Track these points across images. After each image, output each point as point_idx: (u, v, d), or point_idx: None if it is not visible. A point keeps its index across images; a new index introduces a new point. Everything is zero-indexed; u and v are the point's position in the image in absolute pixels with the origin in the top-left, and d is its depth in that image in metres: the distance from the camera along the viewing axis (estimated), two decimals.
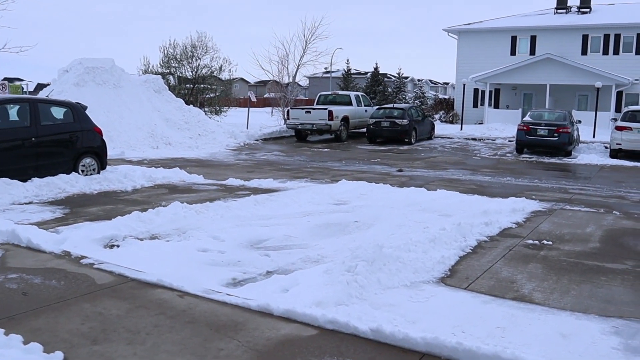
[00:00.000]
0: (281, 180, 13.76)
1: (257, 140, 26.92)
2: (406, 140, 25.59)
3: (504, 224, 8.94)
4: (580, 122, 24.77)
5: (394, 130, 25.49)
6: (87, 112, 22.39)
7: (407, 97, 45.11)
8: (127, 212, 8.91)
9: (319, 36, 33.63)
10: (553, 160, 20.35)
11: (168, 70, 33.70)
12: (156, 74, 31.30)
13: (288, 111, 28.02)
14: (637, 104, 31.27)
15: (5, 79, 73.42)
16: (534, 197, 11.99)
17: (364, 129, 27.32)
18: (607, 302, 5.59)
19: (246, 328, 4.60)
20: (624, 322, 5.08)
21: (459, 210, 9.99)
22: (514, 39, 35.98)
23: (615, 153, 20.77)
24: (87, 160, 12.80)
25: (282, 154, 21.12)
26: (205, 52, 33.76)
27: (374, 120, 26.04)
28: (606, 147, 22.93)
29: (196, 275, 5.86)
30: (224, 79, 36.76)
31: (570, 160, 20.42)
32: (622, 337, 4.74)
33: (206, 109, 33.20)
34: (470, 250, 7.34)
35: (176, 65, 33.72)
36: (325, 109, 26.13)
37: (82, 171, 12.63)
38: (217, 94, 36.15)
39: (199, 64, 33.76)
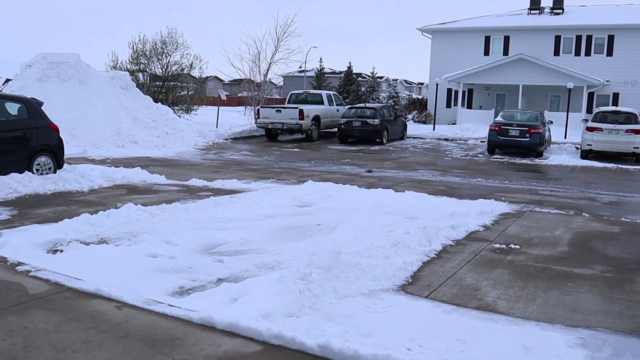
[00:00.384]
0: (246, 181, 13.37)
1: (226, 139, 26.45)
2: (377, 140, 25.33)
3: (471, 227, 8.67)
4: (552, 122, 24.75)
5: (365, 130, 25.20)
6: (51, 108, 21.88)
7: (380, 97, 44.96)
8: (80, 214, 8.43)
9: (292, 34, 33.33)
10: (524, 161, 20.24)
11: (137, 67, 32.99)
12: (125, 70, 30.65)
13: (258, 110, 27.58)
14: (608, 105, 31.47)
15: None
16: (503, 198, 11.77)
17: (336, 129, 27.00)
18: (574, 311, 5.32)
19: (184, 344, 4.22)
20: (590, 332, 4.81)
21: (426, 213, 9.70)
22: (487, 39, 35.99)
23: (586, 154, 20.73)
24: (43, 159, 12.27)
25: (250, 154, 20.71)
26: (175, 49, 33.12)
27: (345, 119, 25.72)
28: (577, 148, 22.92)
29: (140, 284, 5.47)
30: (197, 77, 36.15)
31: (541, 161, 20.32)
32: (589, 350, 4.46)
33: (177, 107, 32.63)
34: (435, 255, 7.03)
35: (145, 61, 33.03)
36: (296, 108, 25.75)
37: (37, 170, 12.09)
38: (190, 92, 35.56)
39: (169, 61, 33.11)
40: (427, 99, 40.43)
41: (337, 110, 28.27)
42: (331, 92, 30.45)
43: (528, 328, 4.85)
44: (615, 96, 33.19)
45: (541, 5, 38.36)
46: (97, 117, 22.69)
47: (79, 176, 12.41)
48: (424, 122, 36.81)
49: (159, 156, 19.27)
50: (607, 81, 32.68)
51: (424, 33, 37.63)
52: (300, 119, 25.36)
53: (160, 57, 32.97)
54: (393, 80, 77.01)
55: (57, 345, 4.17)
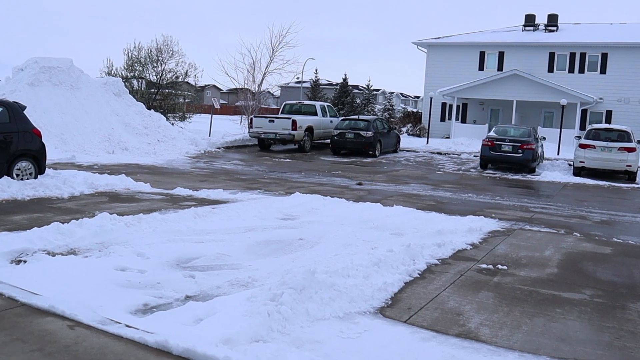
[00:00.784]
0: (232, 191, 13.07)
1: (218, 148, 26.17)
2: (370, 152, 25.09)
3: (458, 245, 8.38)
4: (545, 139, 24.55)
5: (358, 142, 24.97)
6: (41, 113, 21.61)
7: (375, 109, 44.79)
8: (55, 221, 8.13)
9: (287, 44, 33.10)
10: (516, 176, 19.99)
11: (132, 74, 32.73)
12: (120, 77, 30.38)
13: (251, 119, 27.33)
14: (601, 122, 31.33)
15: None
16: (493, 215, 11.50)
17: (329, 140, 26.76)
18: (561, 341, 5.02)
19: None
20: None
21: (412, 229, 9.42)
22: (482, 55, 35.86)
23: (578, 171, 20.51)
24: (23, 164, 11.96)
25: (241, 163, 20.42)
26: (170, 56, 32.91)
27: (338, 131, 25.50)
28: (570, 165, 22.70)
29: (102, 300, 5.15)
30: (195, 85, 35.92)
31: (533, 177, 20.07)
32: None
33: (171, 115, 32.37)
34: (418, 275, 6.72)
35: (140, 68, 32.78)
36: (289, 118, 25.51)
37: (17, 175, 11.79)
38: (187, 100, 35.28)
39: (163, 68, 32.89)
40: (421, 113, 40.27)
41: (331, 121, 28.04)
42: (325, 104, 30.23)
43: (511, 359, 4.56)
44: (609, 114, 33.06)
45: (536, 22, 38.30)
46: (88, 123, 22.40)
47: (60, 182, 12.09)
48: (418, 136, 36.60)
49: (149, 163, 18.97)
50: (601, 98, 32.57)
51: (419, 47, 37.49)
52: (293, 130, 25.11)
53: (155, 65, 32.75)
54: (389, 93, 76.90)
55: None
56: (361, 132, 24.93)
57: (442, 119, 36.84)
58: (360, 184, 16.15)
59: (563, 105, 28.51)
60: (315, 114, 27.66)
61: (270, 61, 33.06)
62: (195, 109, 37.18)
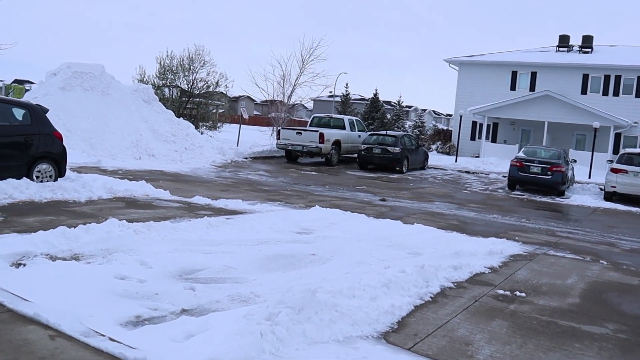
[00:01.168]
0: (251, 202, 12.88)
1: (245, 158, 26.09)
2: (397, 168, 24.76)
3: (476, 268, 8.03)
4: (575, 161, 23.95)
5: (385, 158, 24.68)
6: (71, 117, 21.77)
7: (406, 126, 44.44)
8: (67, 225, 8.02)
9: (317, 57, 32.91)
10: (545, 199, 19.46)
11: (164, 82, 32.96)
12: (152, 84, 30.61)
13: (279, 131, 27.24)
14: (635, 147, 30.51)
15: (15, 81, 72.80)
16: (517, 238, 11.10)
17: (356, 155, 26.51)
18: None
19: None
20: None
21: (430, 249, 9.09)
22: (514, 74, 35.35)
23: (609, 196, 19.88)
24: (43, 166, 11.95)
25: (266, 174, 20.26)
26: (202, 66, 33.04)
27: (366, 146, 25.24)
28: (601, 189, 22.06)
29: (93, 309, 4.96)
30: (227, 95, 36.04)
31: (562, 200, 19.53)
32: None
33: (202, 124, 32.51)
34: (430, 299, 6.40)
35: (172, 77, 33.00)
36: (317, 131, 25.34)
37: (37, 177, 11.77)
38: (221, 110, 35.41)
39: (195, 77, 33.04)
40: (452, 131, 39.82)
41: (359, 136, 27.77)
42: (354, 118, 30.02)
43: None
44: None
45: (570, 43, 37.67)
46: (117, 128, 22.52)
47: (79, 186, 12.04)
48: (447, 154, 36.15)
49: (173, 171, 18.92)
50: (635, 122, 31.76)
51: (451, 65, 37.14)
52: (320, 143, 24.93)
53: (186, 74, 32.91)
54: (422, 110, 76.38)
55: None
56: (389, 148, 24.64)
57: (472, 138, 36.35)
58: (383, 199, 15.84)
59: (596, 128, 27.86)
60: (344, 127, 27.45)
61: (300, 74, 32.99)
62: (226, 118, 37.28)
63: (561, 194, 20.55)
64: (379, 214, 12.89)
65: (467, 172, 27.55)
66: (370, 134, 26.78)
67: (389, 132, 26.86)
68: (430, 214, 13.90)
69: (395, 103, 46.86)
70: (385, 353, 4.74)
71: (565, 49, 37.39)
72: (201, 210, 11.31)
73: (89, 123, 21.97)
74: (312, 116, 29.84)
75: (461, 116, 32.65)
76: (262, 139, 32.84)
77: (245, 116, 31.07)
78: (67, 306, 4.91)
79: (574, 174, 23.38)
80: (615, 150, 30.03)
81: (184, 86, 32.93)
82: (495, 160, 30.01)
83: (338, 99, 49.49)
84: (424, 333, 5.33)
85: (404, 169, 24.93)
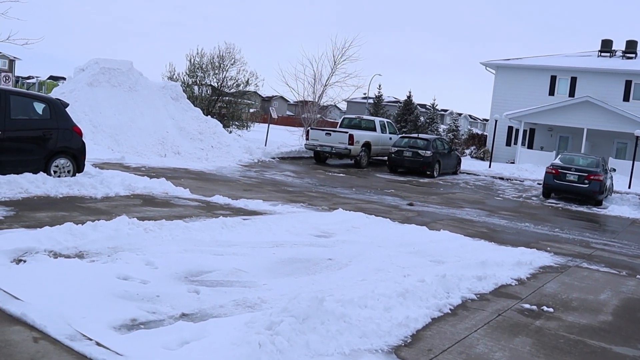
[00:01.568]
0: (273, 203, 12.55)
1: (273, 158, 25.80)
2: (428, 172, 24.22)
3: (502, 279, 7.55)
4: (614, 170, 23.09)
5: (415, 161, 24.15)
6: (97, 113, 21.76)
7: (439, 129, 43.77)
8: (79, 221, 7.79)
9: (349, 57, 32.43)
10: (581, 208, 18.75)
11: (193, 80, 32.92)
12: (181, 82, 30.60)
13: (308, 131, 26.90)
14: None
15: (51, 77, 74.11)
16: (548, 248, 10.56)
17: (386, 157, 26.04)
18: None
19: None
20: None
21: (455, 257, 8.65)
22: (553, 79, 34.42)
23: None
24: (62, 161, 11.78)
25: (292, 175, 19.94)
26: (232, 64, 32.91)
27: (396, 149, 24.77)
28: None
29: (88, 310, 4.67)
30: (263, 96, 35.95)
31: (599, 210, 18.79)
32: None
33: (233, 122, 32.41)
34: (449, 311, 5.97)
35: (202, 75, 32.94)
36: (346, 132, 24.91)
37: (55, 172, 11.61)
38: (254, 109, 35.27)
39: (224, 76, 32.92)
40: (487, 135, 39.03)
41: (390, 138, 27.26)
42: (385, 120, 29.51)
43: None
44: None
45: (613, 48, 36.54)
46: (143, 125, 22.45)
47: (97, 182, 11.86)
48: (482, 159, 35.42)
49: (198, 169, 18.72)
50: None
51: (487, 68, 36.38)
52: (349, 144, 24.50)
53: (216, 72, 32.80)
54: (457, 114, 75.46)
55: None
56: (420, 151, 24.12)
57: (508, 143, 35.52)
58: (411, 204, 15.39)
59: (638, 137, 26.91)
60: (374, 129, 26.97)
61: (332, 74, 32.55)
62: (258, 118, 37.13)
63: (598, 203, 19.79)
64: (404, 219, 12.46)
65: (501, 179, 26.87)
66: (401, 137, 26.30)
67: (421, 135, 26.33)
68: (458, 220, 13.41)
69: (429, 106, 46.21)
70: None
71: (608, 54, 36.32)
72: (219, 209, 11.02)
73: (115, 119, 21.93)
74: (342, 117, 29.45)
75: (496, 121, 31.91)
76: (291, 139, 32.55)
77: (274, 116, 30.78)
78: (59, 307, 4.63)
79: (612, 184, 22.55)
80: None
81: (214, 84, 32.84)
82: (530, 167, 29.25)
83: (371, 100, 49.04)
84: (439, 349, 4.92)
85: (435, 173, 24.38)
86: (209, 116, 26.82)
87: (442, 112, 72.18)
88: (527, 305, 6.60)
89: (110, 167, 15.79)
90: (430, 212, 14.24)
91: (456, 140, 40.23)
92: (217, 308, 5.29)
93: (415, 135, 26.57)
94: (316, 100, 32.73)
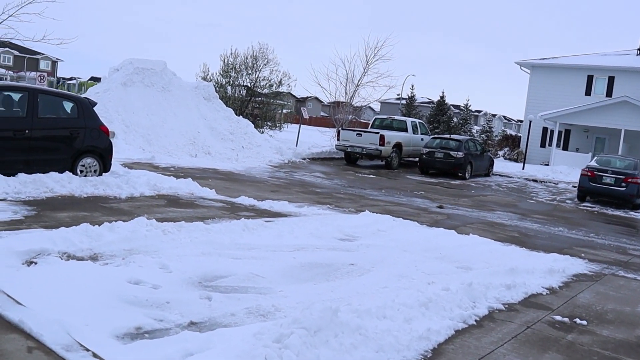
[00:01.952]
0: (299, 205, 12.33)
1: (303, 158, 25.57)
2: (459, 174, 23.76)
3: (532, 288, 7.19)
4: None
5: (447, 163, 23.72)
6: (130, 112, 21.83)
7: (473, 130, 43.10)
8: (99, 222, 7.68)
9: (382, 57, 32.05)
10: (617, 212, 18.12)
11: (227, 80, 32.95)
12: (215, 82, 30.64)
13: (339, 131, 26.63)
14: None
15: (92, 78, 75.43)
16: (582, 255, 10.12)
17: (418, 159, 25.65)
18: None
19: None
20: None
21: (483, 263, 8.31)
22: (590, 79, 33.53)
23: None
24: (88, 161, 11.73)
25: (322, 176, 19.71)
26: (265, 64, 32.84)
27: (427, 150, 24.36)
28: None
29: (92, 317, 4.49)
30: (298, 96, 35.97)
31: (637, 214, 18.11)
32: None
33: (265, 123, 32.37)
34: (475, 323, 5.65)
35: (235, 75, 32.94)
36: (377, 133, 24.57)
37: (81, 171, 11.56)
38: (288, 110, 35.21)
39: (257, 76, 32.87)
40: (520, 136, 38.27)
41: (422, 139, 26.83)
42: (417, 120, 29.09)
43: None
44: None
45: None
46: (175, 125, 22.46)
47: (123, 182, 11.79)
48: (515, 160, 34.71)
49: (227, 169, 18.61)
50: None
51: (522, 67, 35.64)
52: (380, 145, 24.17)
53: (250, 72, 32.77)
54: (491, 114, 74.47)
55: None
56: (451, 152, 23.68)
57: (542, 145, 34.74)
58: (441, 207, 15.02)
59: None
60: (406, 130, 26.58)
61: (364, 74, 32.22)
62: (291, 118, 37.07)
63: (636, 207, 19.12)
64: (433, 222, 12.13)
65: (535, 181, 26.24)
66: (433, 138, 25.88)
67: (453, 136, 25.87)
68: (489, 224, 13.02)
69: (462, 107, 45.56)
70: None
71: None
72: (243, 211, 10.84)
73: (147, 119, 21.98)
74: (374, 117, 29.13)
75: (531, 121, 31.21)
76: (322, 139, 32.32)
77: (306, 116, 30.63)
78: (61, 313, 4.46)
79: None
80: None
81: (247, 85, 32.82)
82: (565, 169, 28.50)
83: (404, 101, 48.57)
84: None
85: (466, 175, 23.91)
86: (241, 116, 26.76)
87: (476, 113, 71.23)
88: (558, 317, 6.23)
89: (140, 166, 15.76)
90: (459, 215, 13.87)
91: (489, 142, 39.53)
92: (228, 316, 5.07)
93: (447, 136, 26.13)
94: (348, 100, 32.43)
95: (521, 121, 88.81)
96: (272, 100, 34.49)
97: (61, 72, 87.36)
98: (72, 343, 4.05)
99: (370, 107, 51.37)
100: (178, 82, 24.82)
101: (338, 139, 26.06)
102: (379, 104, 65.06)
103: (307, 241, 8.53)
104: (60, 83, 69.09)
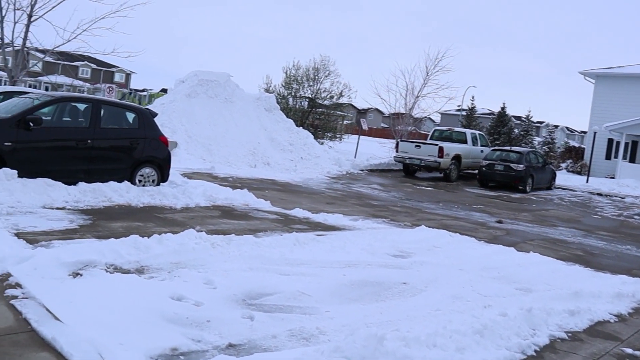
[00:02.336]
0: (353, 218, 12.10)
1: (362, 170, 25.35)
2: (520, 187, 23.04)
3: (598, 314, 6.71)
4: None
5: (507, 175, 23.06)
6: (193, 123, 22.16)
7: (534, 142, 41.92)
8: (151, 233, 7.67)
9: (442, 68, 31.61)
10: None
11: (289, 92, 33.21)
12: (277, 94, 30.88)
13: (397, 143, 26.32)
14: None
15: (163, 89, 77.70)
16: None
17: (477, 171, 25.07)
18: None
19: None
20: None
21: (544, 285, 7.87)
22: None
23: None
24: (147, 171, 11.86)
25: (379, 188, 19.42)
26: (326, 76, 32.93)
27: (487, 162, 23.76)
28: None
29: (128, 336, 4.36)
30: (359, 108, 36.04)
31: None
32: None
33: (325, 134, 32.43)
34: (534, 353, 5.25)
35: (297, 87, 33.14)
36: (436, 144, 24.17)
37: (139, 181, 11.69)
38: (349, 121, 35.23)
39: (319, 88, 32.98)
40: (584, 148, 36.97)
41: (482, 151, 26.23)
42: (477, 132, 28.48)
43: None
44: None
45: None
46: (236, 136, 22.68)
47: (180, 192, 11.83)
48: (579, 173, 33.51)
49: (284, 180, 18.57)
50: None
51: (586, 77, 34.50)
52: (439, 157, 23.76)
53: (311, 83, 32.91)
54: (554, 126, 72.39)
55: None
56: (512, 165, 23.01)
57: (607, 157, 33.40)
58: (500, 221, 14.52)
59: None
60: (465, 142, 26.04)
61: (424, 85, 31.81)
62: (351, 130, 37.01)
63: None
64: (491, 238, 11.70)
65: (599, 195, 25.22)
66: (493, 150, 25.25)
67: (513, 148, 25.16)
68: (550, 241, 12.46)
69: (524, 118, 44.42)
70: None
71: None
72: (297, 224, 10.68)
73: (210, 130, 22.28)
74: (433, 129, 28.68)
75: (595, 133, 30.07)
76: (381, 151, 32.03)
77: (365, 127, 30.41)
78: (97, 330, 4.35)
79: None
80: None
81: (308, 96, 33.00)
82: (632, 183, 27.32)
83: (465, 113, 47.74)
84: None
85: (527, 188, 23.16)
86: (302, 127, 26.84)
87: (538, 125, 69.47)
88: (628, 350, 5.74)
89: (199, 176, 15.88)
90: (520, 231, 13.36)
91: (551, 154, 38.33)
92: (268, 339, 4.87)
93: (508, 148, 25.43)
94: (408, 111, 32.07)
95: (585, 132, 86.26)
96: (332, 112, 34.52)
97: (134, 83, 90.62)
98: None
99: (430, 118, 50.72)
100: (240, 93, 25.14)
101: (397, 151, 25.76)
102: (439, 115, 64.23)
103: (358, 257, 8.28)
104: (131, 94, 71.32)
